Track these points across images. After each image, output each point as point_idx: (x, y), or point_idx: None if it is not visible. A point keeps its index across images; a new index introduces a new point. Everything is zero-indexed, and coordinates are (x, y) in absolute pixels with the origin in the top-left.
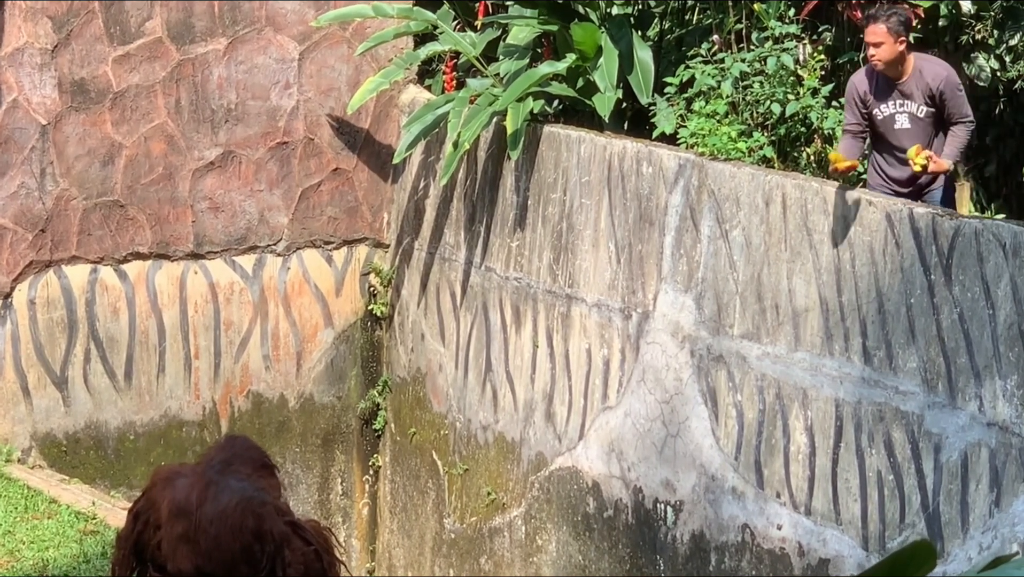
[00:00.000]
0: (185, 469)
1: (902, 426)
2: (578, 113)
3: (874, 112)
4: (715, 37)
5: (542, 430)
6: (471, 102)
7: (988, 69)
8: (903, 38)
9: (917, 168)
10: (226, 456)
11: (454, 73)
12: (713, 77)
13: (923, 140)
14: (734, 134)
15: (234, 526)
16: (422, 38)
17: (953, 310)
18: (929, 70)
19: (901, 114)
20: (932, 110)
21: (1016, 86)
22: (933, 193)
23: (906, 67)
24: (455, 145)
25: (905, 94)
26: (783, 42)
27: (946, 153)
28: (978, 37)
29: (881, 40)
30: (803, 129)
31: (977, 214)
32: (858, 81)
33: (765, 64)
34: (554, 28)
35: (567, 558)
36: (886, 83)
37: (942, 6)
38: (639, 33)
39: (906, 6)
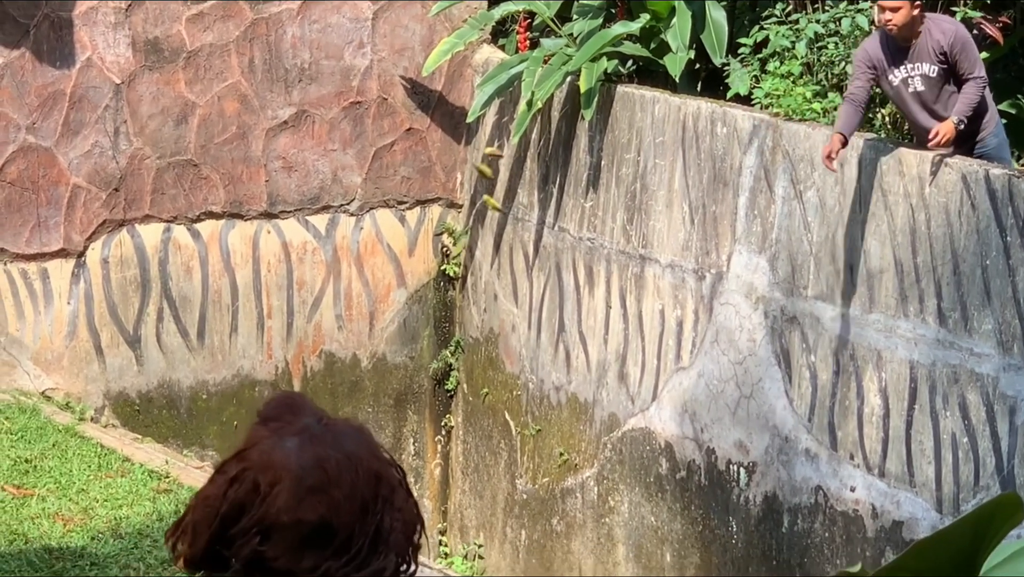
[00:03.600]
0: (286, 429)
1: (977, 388)
2: (652, 74)
3: (889, 78)
4: None
5: (615, 391)
6: (545, 62)
7: None
8: (919, 2)
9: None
10: (314, 411)
11: (528, 33)
12: (787, 38)
13: (935, 98)
14: (809, 95)
15: (367, 470)
16: None
17: None
18: (937, 28)
19: (914, 77)
20: (944, 67)
21: None
22: (987, 140)
23: (918, 30)
24: (528, 104)
25: (917, 57)
26: (858, 2)
27: (955, 111)
28: None
29: (899, 5)
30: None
31: None
32: (871, 48)
33: (840, 25)
34: None
35: (639, 519)
36: (897, 48)
37: None
38: None
39: None
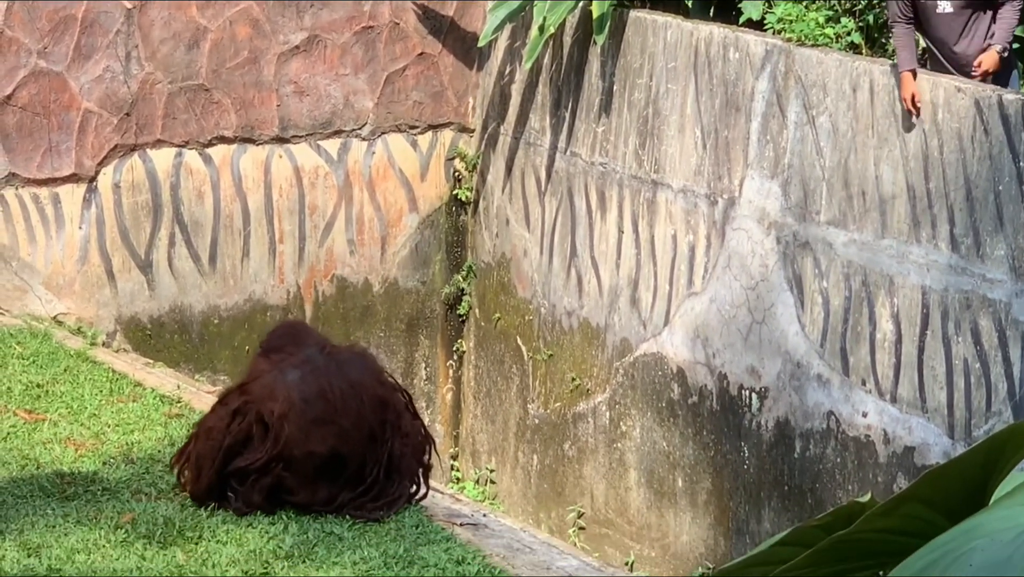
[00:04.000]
0: (287, 361)
1: (989, 314)
2: None
3: None
4: None
5: (627, 316)
6: None
7: None
8: None
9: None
10: (318, 339)
11: None
12: None
13: (963, 24)
14: (821, 20)
15: (372, 397)
16: None
17: None
18: None
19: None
20: None
21: None
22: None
23: None
24: (540, 29)
25: None
26: None
27: (996, 38)
28: None
29: None
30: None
31: None
32: None
33: None
34: None
35: (651, 444)
36: None
37: None
38: None
39: None
